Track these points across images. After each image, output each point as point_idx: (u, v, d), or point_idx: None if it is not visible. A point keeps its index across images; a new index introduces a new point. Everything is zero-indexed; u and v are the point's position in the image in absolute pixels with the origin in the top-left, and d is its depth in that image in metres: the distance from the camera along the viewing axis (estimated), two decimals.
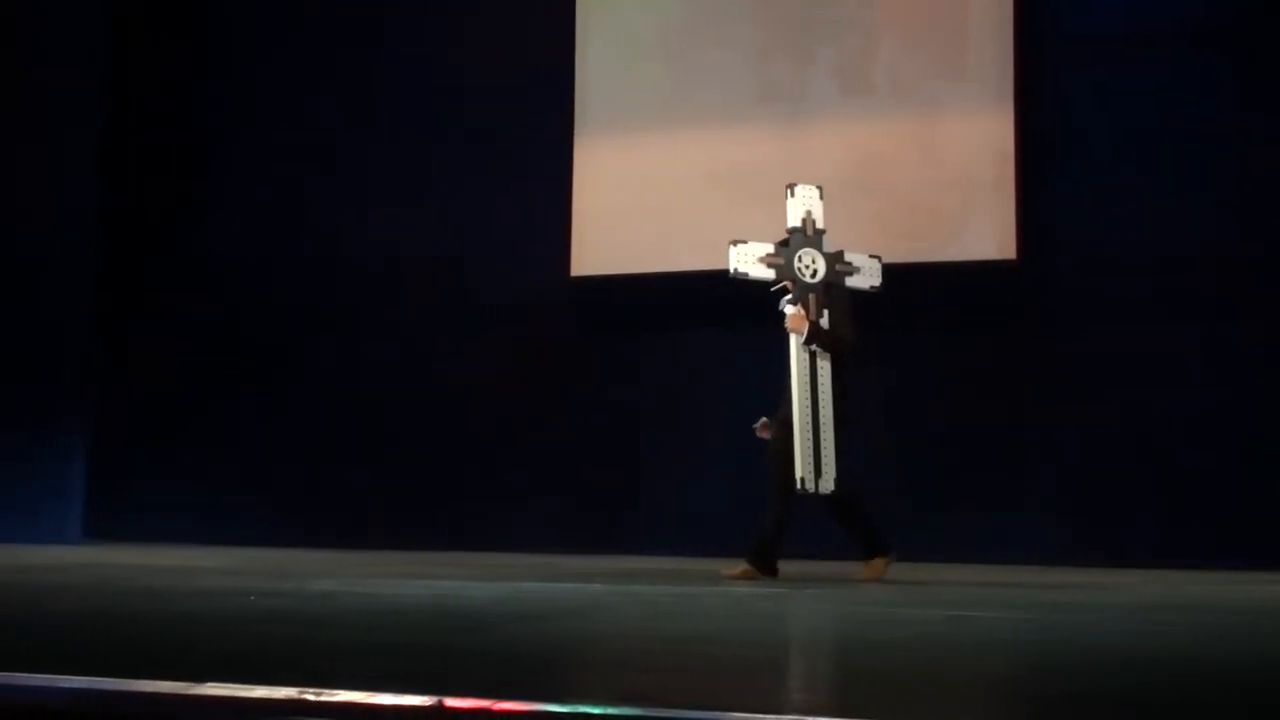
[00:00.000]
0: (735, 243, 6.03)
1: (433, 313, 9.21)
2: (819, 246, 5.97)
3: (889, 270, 7.51)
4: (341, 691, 2.28)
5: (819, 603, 4.88)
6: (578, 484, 8.60)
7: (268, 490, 9.25)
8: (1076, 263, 8.15)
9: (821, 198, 6.03)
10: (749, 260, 5.95)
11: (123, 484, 9.39)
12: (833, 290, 5.98)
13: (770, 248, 5.99)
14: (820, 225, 5.99)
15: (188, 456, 9.42)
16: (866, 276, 5.98)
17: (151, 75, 9.90)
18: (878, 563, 6.00)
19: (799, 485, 5.84)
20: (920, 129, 8.46)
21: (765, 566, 5.93)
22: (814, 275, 5.91)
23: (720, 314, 7.70)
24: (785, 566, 6.11)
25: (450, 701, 2.23)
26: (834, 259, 5.92)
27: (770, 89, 8.70)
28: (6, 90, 9.08)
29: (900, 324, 8.09)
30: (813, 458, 5.84)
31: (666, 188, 8.64)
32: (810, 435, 5.85)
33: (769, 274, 6.00)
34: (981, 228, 8.21)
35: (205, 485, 9.33)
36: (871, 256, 6.01)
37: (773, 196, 7.56)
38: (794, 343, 5.93)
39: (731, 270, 5.95)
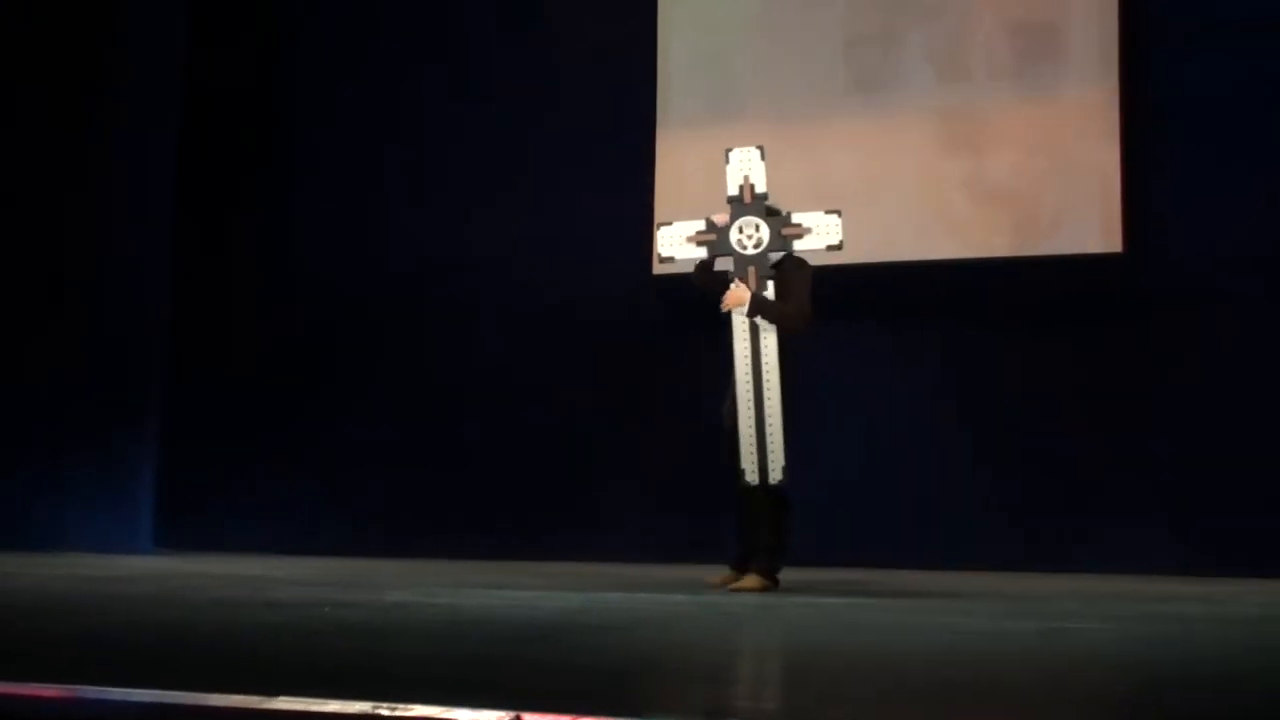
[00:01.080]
0: (662, 225, 5.77)
1: (511, 314, 9.19)
2: (760, 214, 5.57)
3: (987, 265, 7.90)
4: (417, 706, 2.28)
5: (911, 615, 4.79)
6: (665, 491, 8.54)
7: (344, 498, 9.25)
8: (1185, 256, 7.98)
9: (763, 158, 5.63)
10: (677, 242, 5.65)
11: (195, 491, 9.45)
12: (786, 263, 5.61)
13: (701, 224, 5.68)
14: (761, 189, 5.58)
15: (262, 463, 9.43)
16: (821, 236, 5.49)
17: (231, 73, 9.99)
18: (752, 579, 5.56)
19: (742, 479, 5.54)
20: (1019, 116, 8.30)
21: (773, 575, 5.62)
22: (756, 245, 5.55)
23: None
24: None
25: (528, 716, 2.23)
26: (779, 224, 5.53)
27: (860, 78, 8.57)
28: (88, 88, 9.17)
29: (998, 321, 8.14)
30: (755, 448, 5.54)
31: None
32: (753, 424, 5.55)
33: (700, 253, 5.66)
34: (1084, 219, 8.06)
35: (280, 492, 9.35)
36: (829, 212, 5.52)
37: (864, 189, 7.94)
38: (736, 321, 5.60)
39: (658, 255, 5.71)
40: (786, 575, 5.71)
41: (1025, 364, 8.17)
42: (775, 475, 5.50)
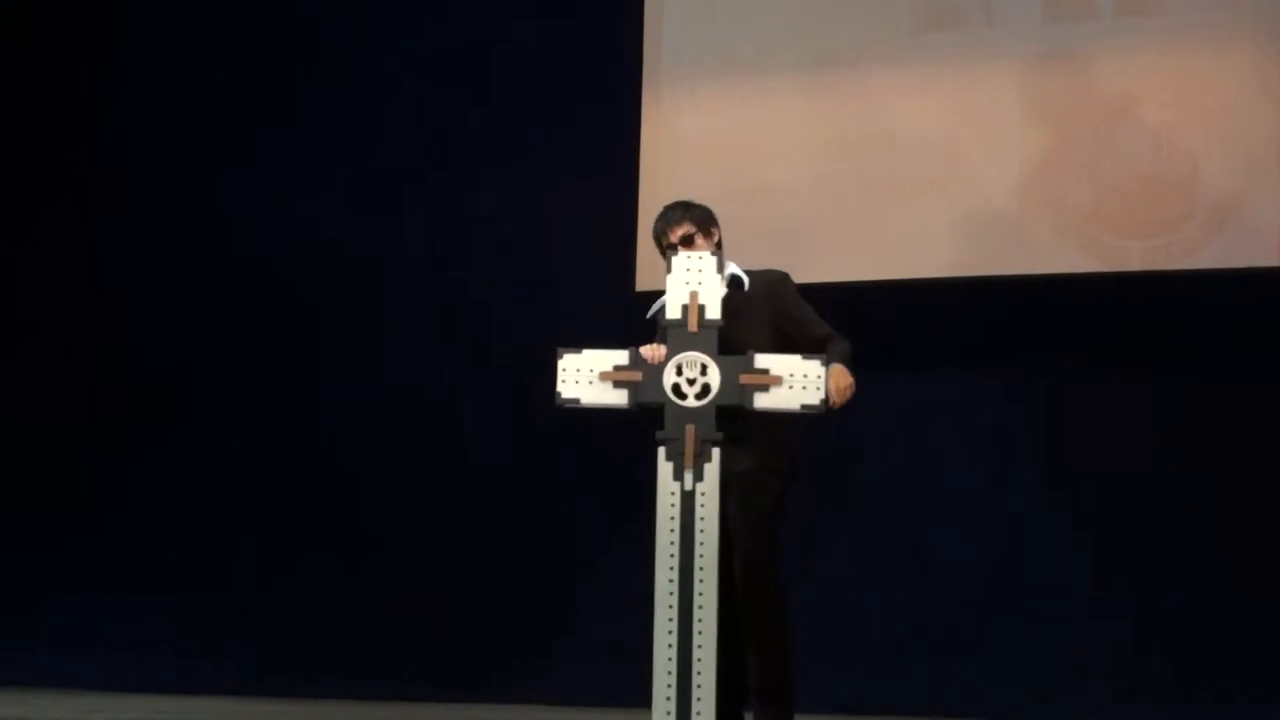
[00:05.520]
0: (564, 351, 5.27)
1: (436, 352, 8.36)
2: (709, 349, 5.12)
3: (1109, 284, 7.36)
4: None
5: None
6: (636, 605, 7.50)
7: (195, 611, 8.40)
8: None
9: (720, 268, 5.17)
10: (585, 378, 5.24)
11: None
12: (761, 288, 5.34)
13: (621, 356, 5.19)
14: (713, 314, 5.17)
15: (75, 559, 8.67)
16: (794, 391, 5.10)
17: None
18: None
19: None
20: (1163, 73, 7.33)
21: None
22: (701, 395, 5.14)
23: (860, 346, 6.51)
24: None
25: None
26: (736, 366, 5.13)
27: (931, 11, 7.70)
28: None
29: (1141, 350, 7.38)
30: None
31: (771, 166, 7.77)
32: None
33: (616, 398, 5.23)
34: (1255, 219, 7.15)
35: (103, 602, 8.55)
36: (808, 358, 5.10)
37: (929, 174, 7.44)
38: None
39: (558, 394, 5.26)
40: None
41: (1178, 400, 7.34)
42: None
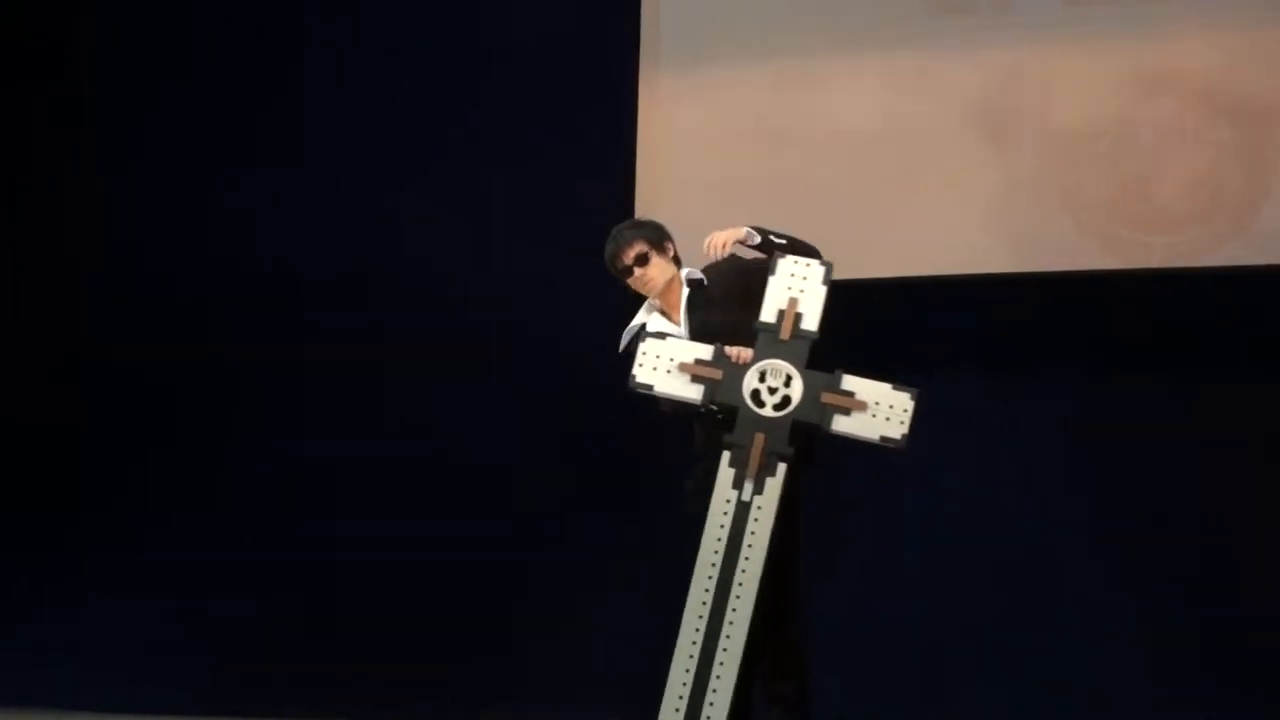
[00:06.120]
0: (648, 333, 5.27)
1: (429, 350, 8.14)
2: (798, 360, 5.12)
3: (1138, 279, 7.13)
4: None
5: None
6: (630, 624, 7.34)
7: (147, 635, 8.21)
8: None
9: (827, 279, 5.15)
10: (663, 365, 5.19)
11: None
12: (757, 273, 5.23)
13: (705, 350, 5.17)
14: (810, 326, 5.14)
15: (39, 579, 8.48)
16: (878, 420, 5.07)
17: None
18: None
19: None
20: (1187, 60, 7.07)
21: None
22: (780, 407, 5.13)
23: (869, 347, 6.34)
24: None
25: None
26: (820, 384, 5.09)
27: None
28: None
29: (1165, 351, 7.15)
30: None
31: (774, 158, 7.60)
32: None
33: (692, 392, 5.18)
34: None
35: (58, 630, 8.37)
36: (898, 389, 5.06)
37: (949, 167, 7.30)
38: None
39: (632, 378, 5.22)
40: None
41: (1191, 426, 7.06)
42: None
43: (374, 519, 8.14)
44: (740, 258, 5.36)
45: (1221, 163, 6.99)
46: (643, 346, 5.16)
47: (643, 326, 5.28)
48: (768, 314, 5.13)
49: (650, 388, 5.13)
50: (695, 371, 5.10)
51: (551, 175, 8.01)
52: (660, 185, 7.61)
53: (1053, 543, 7.16)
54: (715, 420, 5.15)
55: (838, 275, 6.82)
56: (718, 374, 5.09)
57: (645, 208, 7.32)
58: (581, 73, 8.06)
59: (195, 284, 8.58)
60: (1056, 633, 7.12)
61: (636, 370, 5.16)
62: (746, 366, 5.09)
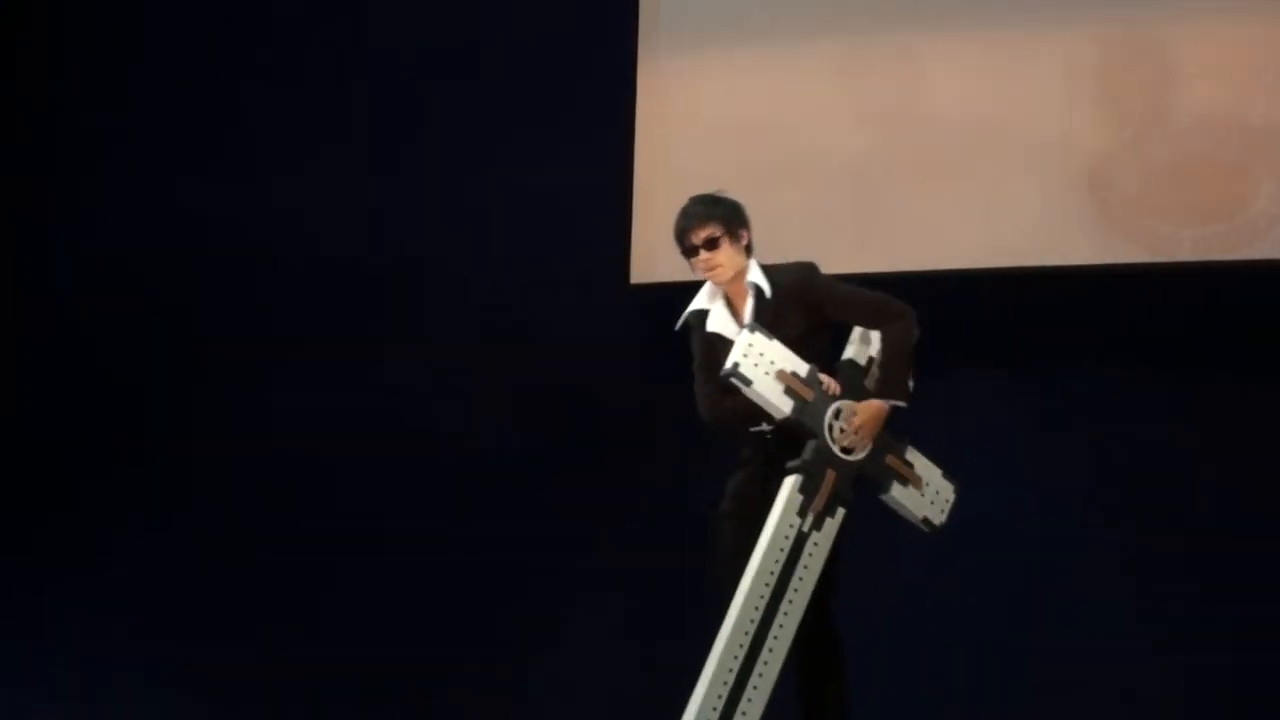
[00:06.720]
0: (755, 328, 5.15)
1: (420, 347, 7.97)
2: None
3: (1168, 273, 7.03)
4: None
5: None
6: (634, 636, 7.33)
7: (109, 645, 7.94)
8: None
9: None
10: (764, 366, 5.15)
11: None
12: (796, 282, 5.23)
13: (803, 366, 5.18)
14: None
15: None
16: (924, 500, 5.30)
17: None
18: None
19: None
20: (1220, 43, 6.89)
21: None
22: (847, 450, 5.23)
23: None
24: None
25: None
26: (886, 447, 5.24)
27: None
28: None
29: (1195, 348, 6.94)
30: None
31: (782, 146, 7.39)
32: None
33: (782, 405, 5.14)
34: None
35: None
36: (946, 478, 5.34)
37: (968, 156, 7.15)
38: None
39: (733, 364, 5.09)
40: None
41: (1221, 428, 6.83)
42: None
43: (370, 519, 7.94)
44: (801, 265, 5.25)
45: (1254, 150, 6.87)
46: (748, 338, 5.04)
47: (704, 314, 5.21)
48: (859, 355, 5.21)
49: (750, 383, 5.03)
50: (791, 384, 5.04)
51: (545, 161, 7.84)
52: (658, 172, 7.46)
53: (1068, 546, 6.97)
54: (763, 439, 5.09)
55: (852, 269, 6.52)
56: (810, 394, 5.06)
57: (643, 196, 7.32)
58: (578, 60, 7.93)
59: (182, 281, 8.38)
60: (1063, 634, 6.92)
61: (740, 360, 5.01)
62: (834, 398, 5.07)
